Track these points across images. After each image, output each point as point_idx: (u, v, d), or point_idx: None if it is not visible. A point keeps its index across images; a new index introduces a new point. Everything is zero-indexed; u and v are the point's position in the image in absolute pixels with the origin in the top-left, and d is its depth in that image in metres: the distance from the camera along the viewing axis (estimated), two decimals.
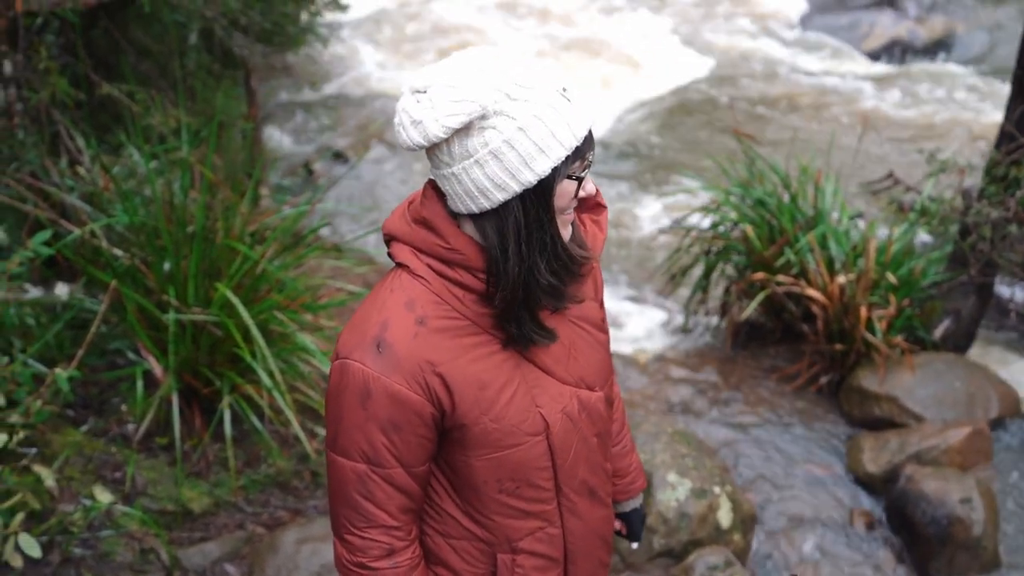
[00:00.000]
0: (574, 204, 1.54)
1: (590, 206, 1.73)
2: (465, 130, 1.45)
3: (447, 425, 1.58)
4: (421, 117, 1.44)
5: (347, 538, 1.62)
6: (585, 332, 1.72)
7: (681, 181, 6.74)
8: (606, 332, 1.81)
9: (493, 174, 1.45)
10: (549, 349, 1.63)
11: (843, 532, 3.73)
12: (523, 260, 1.50)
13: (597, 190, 1.70)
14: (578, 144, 1.46)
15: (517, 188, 1.46)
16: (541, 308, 1.59)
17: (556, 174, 1.47)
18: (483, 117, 1.44)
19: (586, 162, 1.51)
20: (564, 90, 1.47)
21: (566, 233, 1.56)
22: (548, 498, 1.68)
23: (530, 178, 1.45)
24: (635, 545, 2.17)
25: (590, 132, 1.50)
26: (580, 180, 1.51)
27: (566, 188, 1.50)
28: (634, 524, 2.13)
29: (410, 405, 1.52)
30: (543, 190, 1.47)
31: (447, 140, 1.46)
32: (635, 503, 2.12)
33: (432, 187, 1.58)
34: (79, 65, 4.43)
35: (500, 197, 1.47)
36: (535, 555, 1.71)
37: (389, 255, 1.60)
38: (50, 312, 3.68)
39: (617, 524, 2.14)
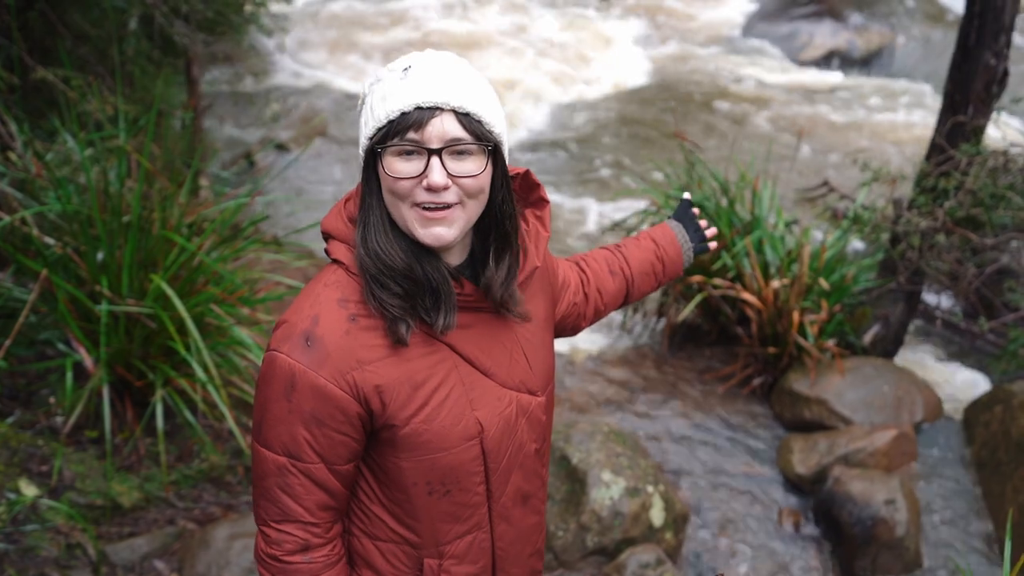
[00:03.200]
0: (418, 191, 1.46)
1: (533, 200, 1.71)
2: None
3: (376, 425, 1.56)
4: None
5: (264, 529, 1.62)
6: (530, 335, 1.70)
7: (622, 182, 6.81)
8: (551, 332, 1.79)
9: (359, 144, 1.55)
10: (489, 351, 1.62)
11: (772, 531, 3.81)
12: (356, 233, 1.54)
13: (540, 185, 1.69)
14: (390, 118, 1.45)
15: (362, 159, 1.53)
16: (438, 301, 1.55)
17: (375, 145, 1.48)
18: (365, 95, 1.54)
19: (405, 141, 1.45)
20: (406, 69, 1.47)
21: (419, 229, 1.48)
22: (479, 503, 1.67)
23: (361, 149, 1.52)
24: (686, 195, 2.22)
25: (422, 112, 1.44)
26: (379, 154, 1.46)
27: (382, 163, 1.47)
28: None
29: (334, 401, 1.51)
30: (370, 163, 1.51)
31: None
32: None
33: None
34: (13, 47, 4.33)
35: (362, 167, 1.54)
36: (463, 561, 1.70)
37: (326, 251, 1.60)
38: None
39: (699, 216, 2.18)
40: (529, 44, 9.99)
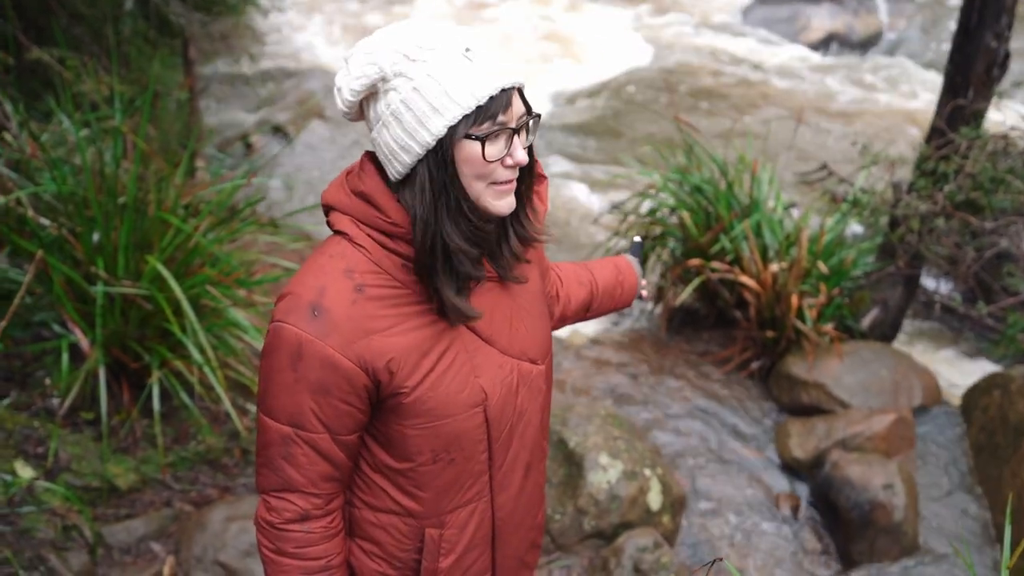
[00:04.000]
0: (499, 170, 1.50)
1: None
2: (374, 94, 1.50)
3: (383, 395, 1.57)
4: (340, 84, 1.52)
5: (265, 496, 1.63)
6: (527, 304, 1.72)
7: (622, 165, 6.78)
8: (546, 305, 1.81)
9: (396, 135, 1.48)
10: (491, 319, 1.63)
11: (769, 516, 3.81)
12: (428, 225, 1.49)
13: (537, 161, 1.69)
14: (479, 104, 1.44)
15: (419, 149, 1.47)
16: (463, 279, 1.57)
17: (454, 134, 1.45)
18: (384, 79, 1.48)
19: (496, 124, 1.46)
20: (467, 50, 1.46)
21: (494, 202, 1.52)
22: (481, 471, 1.68)
23: (427, 138, 1.46)
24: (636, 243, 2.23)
25: (505, 94, 1.46)
26: (482, 140, 1.45)
27: (470, 150, 1.46)
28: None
29: (342, 370, 1.51)
30: (443, 151, 1.47)
31: (364, 105, 1.53)
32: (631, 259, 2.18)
33: (369, 159, 1.58)
34: (8, 27, 4.29)
35: (407, 159, 1.49)
36: (463, 531, 1.71)
37: (328, 223, 1.59)
38: None
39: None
40: (528, 27, 9.94)
